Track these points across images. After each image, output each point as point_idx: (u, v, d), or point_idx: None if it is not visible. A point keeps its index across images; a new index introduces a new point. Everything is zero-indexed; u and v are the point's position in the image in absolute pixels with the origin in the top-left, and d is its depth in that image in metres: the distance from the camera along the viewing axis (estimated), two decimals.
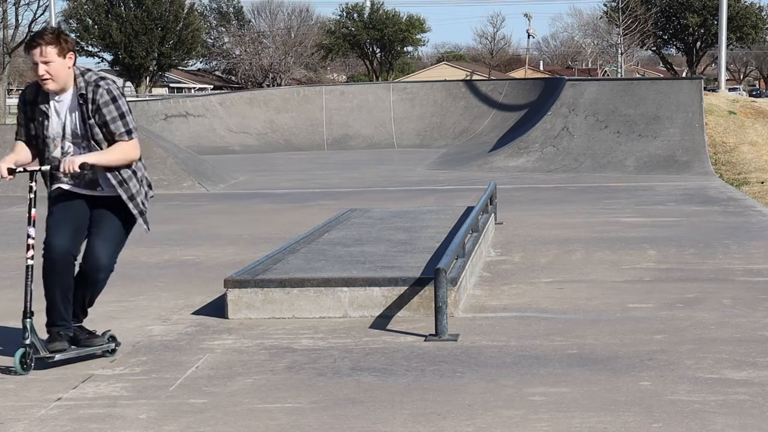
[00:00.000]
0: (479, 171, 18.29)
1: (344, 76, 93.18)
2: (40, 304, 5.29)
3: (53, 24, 35.70)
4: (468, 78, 57.85)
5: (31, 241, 5.20)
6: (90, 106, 5.20)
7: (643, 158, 17.66)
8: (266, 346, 5.65)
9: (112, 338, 5.51)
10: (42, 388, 4.91)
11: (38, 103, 5.28)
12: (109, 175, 5.27)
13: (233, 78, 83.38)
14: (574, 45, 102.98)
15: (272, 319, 6.30)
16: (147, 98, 49.39)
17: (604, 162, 17.76)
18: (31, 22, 61.11)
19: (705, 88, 19.93)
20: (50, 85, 5.19)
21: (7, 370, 5.14)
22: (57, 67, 5.17)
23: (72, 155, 5.21)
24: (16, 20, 62.52)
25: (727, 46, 38.76)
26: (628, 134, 18.39)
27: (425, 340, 5.69)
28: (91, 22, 73.20)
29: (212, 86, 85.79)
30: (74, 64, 5.27)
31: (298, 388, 4.83)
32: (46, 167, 5.24)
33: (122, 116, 5.24)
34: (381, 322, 6.17)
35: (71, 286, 5.29)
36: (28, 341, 5.12)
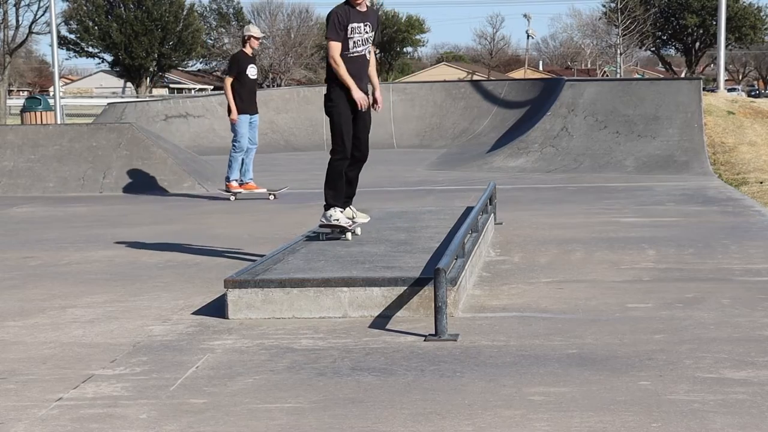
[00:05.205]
0: (479, 171, 18.28)
1: None
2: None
3: (53, 24, 35.55)
4: (469, 78, 57.84)
5: None
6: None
7: (642, 158, 17.65)
8: (266, 346, 5.66)
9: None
10: (42, 388, 4.92)
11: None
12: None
13: None
14: (573, 45, 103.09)
15: (272, 319, 6.31)
16: (147, 99, 49.38)
17: (603, 162, 17.76)
18: (32, 23, 61.15)
19: (704, 89, 19.90)
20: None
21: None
22: None
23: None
24: (17, 21, 62.60)
25: (726, 46, 38.75)
26: (627, 134, 18.37)
27: (425, 340, 5.70)
28: (91, 23, 73.25)
29: (212, 87, 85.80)
30: None
31: (298, 388, 4.84)
32: None
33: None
34: (381, 322, 6.18)
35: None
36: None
